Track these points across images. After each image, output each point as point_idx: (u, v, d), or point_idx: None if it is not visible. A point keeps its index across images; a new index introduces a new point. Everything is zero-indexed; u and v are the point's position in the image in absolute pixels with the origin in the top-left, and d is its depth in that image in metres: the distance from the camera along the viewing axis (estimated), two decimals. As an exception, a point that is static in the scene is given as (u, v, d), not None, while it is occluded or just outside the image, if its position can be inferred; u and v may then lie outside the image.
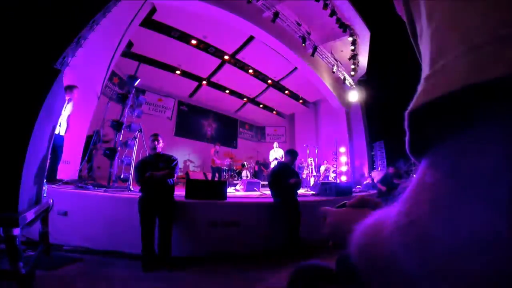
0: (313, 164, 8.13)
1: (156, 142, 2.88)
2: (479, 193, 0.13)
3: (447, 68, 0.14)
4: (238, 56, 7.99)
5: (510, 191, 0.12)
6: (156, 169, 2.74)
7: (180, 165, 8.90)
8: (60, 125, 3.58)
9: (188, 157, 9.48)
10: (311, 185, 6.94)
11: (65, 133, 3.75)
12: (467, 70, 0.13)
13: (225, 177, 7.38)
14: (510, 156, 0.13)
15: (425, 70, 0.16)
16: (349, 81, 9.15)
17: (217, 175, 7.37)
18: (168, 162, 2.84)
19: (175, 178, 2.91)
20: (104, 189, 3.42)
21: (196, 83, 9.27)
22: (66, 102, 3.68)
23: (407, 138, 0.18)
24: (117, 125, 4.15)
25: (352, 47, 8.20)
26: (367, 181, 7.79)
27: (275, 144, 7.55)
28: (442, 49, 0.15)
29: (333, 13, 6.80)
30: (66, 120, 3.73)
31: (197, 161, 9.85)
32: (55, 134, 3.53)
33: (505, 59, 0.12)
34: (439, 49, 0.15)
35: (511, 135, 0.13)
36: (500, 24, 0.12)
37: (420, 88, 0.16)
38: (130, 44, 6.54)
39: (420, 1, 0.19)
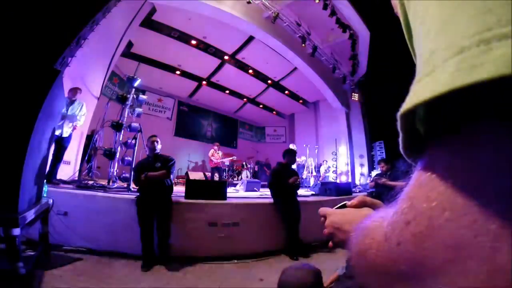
0: (313, 164, 8.12)
1: (156, 143, 2.90)
2: (473, 193, 0.14)
3: (436, 70, 0.14)
4: (238, 56, 7.99)
5: (501, 191, 0.12)
6: (153, 170, 2.76)
7: (180, 165, 8.89)
8: (63, 127, 3.61)
9: (188, 157, 9.48)
10: (311, 185, 6.94)
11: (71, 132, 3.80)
12: (454, 72, 0.13)
13: (225, 177, 7.37)
14: (500, 156, 0.13)
15: (418, 72, 0.17)
16: (349, 81, 9.15)
17: (216, 175, 7.34)
18: (165, 163, 2.86)
19: (172, 178, 2.92)
20: (104, 189, 3.42)
21: (196, 83, 9.27)
22: (78, 103, 3.77)
23: (400, 139, 0.19)
24: (117, 125, 4.15)
25: (352, 47, 8.20)
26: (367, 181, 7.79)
27: (293, 146, 7.54)
28: (432, 52, 0.15)
29: (333, 13, 6.79)
30: (77, 121, 3.79)
31: (197, 161, 9.85)
32: (64, 136, 3.62)
33: (490, 61, 0.12)
34: (430, 52, 0.15)
35: (501, 135, 0.13)
36: (486, 27, 0.13)
37: (411, 89, 0.16)
38: (130, 44, 6.53)
39: (414, 3, 0.19)
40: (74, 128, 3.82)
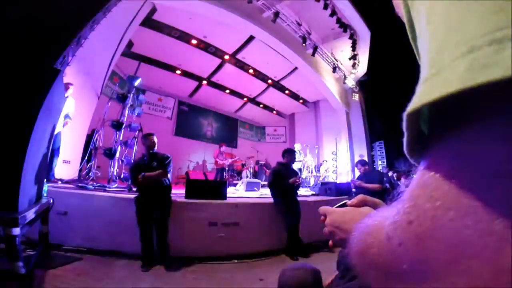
0: (313, 164, 8.13)
1: (155, 142, 2.90)
2: (478, 193, 0.13)
3: (446, 69, 0.14)
4: (238, 56, 7.98)
5: (506, 192, 0.12)
6: (149, 169, 2.74)
7: (180, 165, 8.89)
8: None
9: (188, 157, 9.48)
10: (311, 185, 6.94)
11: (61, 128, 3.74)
12: (466, 72, 0.13)
13: (226, 176, 7.37)
14: (508, 158, 0.13)
15: (424, 72, 0.17)
16: (349, 81, 9.15)
17: (219, 175, 7.34)
18: (162, 161, 2.83)
19: (170, 176, 2.91)
20: (104, 189, 3.42)
21: (196, 83, 9.26)
22: (69, 100, 3.72)
23: (405, 139, 0.18)
24: (117, 125, 4.16)
25: (352, 47, 8.20)
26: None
27: (298, 145, 7.50)
28: (440, 51, 0.15)
29: (333, 13, 6.79)
30: (64, 117, 3.72)
31: (197, 161, 9.85)
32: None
33: (503, 61, 0.12)
34: (438, 51, 0.15)
35: (506, 136, 0.13)
36: (498, 26, 0.13)
37: (418, 89, 0.16)
38: (130, 44, 6.53)
39: (418, 2, 0.19)
40: (65, 124, 3.76)
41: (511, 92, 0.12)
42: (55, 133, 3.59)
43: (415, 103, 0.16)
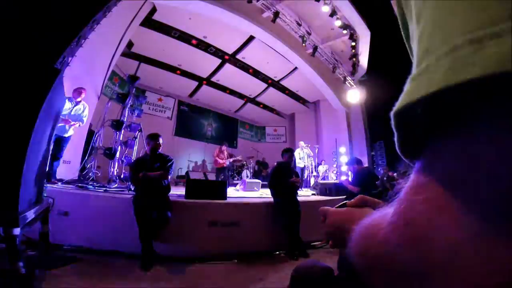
0: (313, 164, 8.12)
1: (160, 144, 2.91)
2: (472, 194, 0.13)
3: (429, 68, 0.14)
4: (238, 56, 7.98)
5: (500, 192, 0.12)
6: (151, 169, 2.75)
7: (180, 165, 8.89)
8: (65, 126, 3.63)
9: (188, 157, 9.48)
10: (311, 185, 6.94)
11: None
12: (447, 71, 0.13)
13: (225, 176, 7.34)
14: (498, 156, 0.13)
15: (412, 71, 0.17)
16: (349, 81, 9.14)
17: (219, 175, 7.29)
18: (164, 163, 2.85)
19: (170, 178, 2.92)
20: (104, 189, 3.42)
21: (196, 83, 9.26)
22: (82, 104, 3.84)
23: (395, 139, 0.18)
24: (117, 125, 4.16)
25: (353, 47, 8.20)
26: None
27: (302, 143, 7.49)
28: (426, 50, 0.15)
29: (333, 13, 6.79)
30: (80, 121, 3.81)
31: (197, 161, 9.85)
32: (65, 136, 3.62)
33: (481, 60, 0.12)
34: (424, 50, 0.15)
35: (495, 134, 0.13)
36: (478, 25, 0.13)
37: (405, 88, 0.16)
38: (130, 44, 6.53)
39: (411, 2, 0.19)
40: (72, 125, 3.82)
41: (497, 90, 0.12)
42: (66, 136, 3.67)
43: (400, 102, 0.16)
